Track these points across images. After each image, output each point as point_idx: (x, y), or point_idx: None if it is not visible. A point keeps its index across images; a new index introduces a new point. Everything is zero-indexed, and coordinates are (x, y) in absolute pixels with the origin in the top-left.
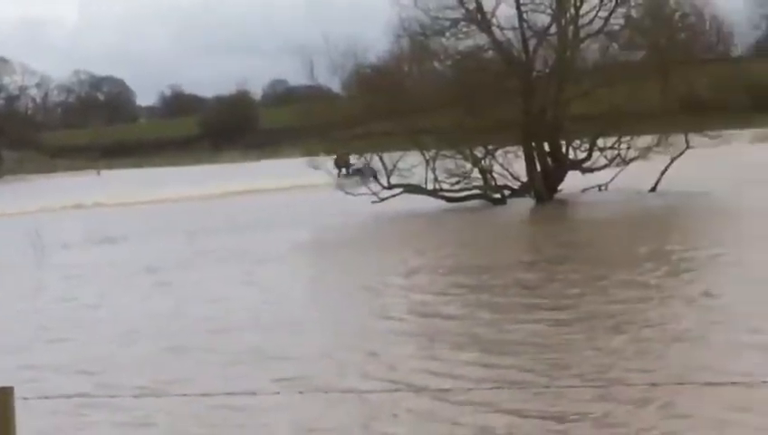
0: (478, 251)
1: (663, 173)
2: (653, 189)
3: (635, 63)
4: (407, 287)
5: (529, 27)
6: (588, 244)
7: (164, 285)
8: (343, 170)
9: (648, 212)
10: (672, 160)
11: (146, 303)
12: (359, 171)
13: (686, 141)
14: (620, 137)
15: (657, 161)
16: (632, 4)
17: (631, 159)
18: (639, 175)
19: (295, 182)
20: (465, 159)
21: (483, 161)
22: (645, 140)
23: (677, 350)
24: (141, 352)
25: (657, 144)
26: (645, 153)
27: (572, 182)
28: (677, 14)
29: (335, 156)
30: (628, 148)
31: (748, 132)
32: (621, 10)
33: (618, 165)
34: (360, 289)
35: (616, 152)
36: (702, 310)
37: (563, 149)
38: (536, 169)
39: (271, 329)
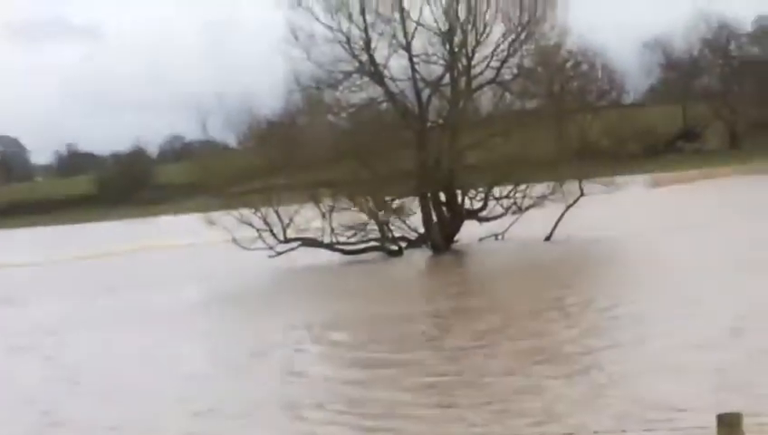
0: (367, 305)
1: (558, 221)
2: (548, 238)
3: (529, 112)
4: (285, 344)
5: (422, 78)
6: (476, 295)
7: (46, 349)
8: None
9: (540, 261)
10: (567, 208)
11: (27, 367)
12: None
13: (581, 189)
14: (516, 185)
15: (556, 208)
16: (524, 54)
17: (527, 208)
18: (537, 222)
19: (193, 238)
20: (362, 211)
21: (379, 213)
22: (540, 188)
23: (529, 404)
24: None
25: (552, 192)
26: (540, 201)
27: (470, 231)
28: (570, 63)
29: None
30: (524, 196)
31: (643, 177)
32: (514, 60)
33: (514, 213)
34: (239, 348)
35: (511, 201)
36: (571, 361)
37: (459, 199)
38: (432, 220)
39: (144, 395)
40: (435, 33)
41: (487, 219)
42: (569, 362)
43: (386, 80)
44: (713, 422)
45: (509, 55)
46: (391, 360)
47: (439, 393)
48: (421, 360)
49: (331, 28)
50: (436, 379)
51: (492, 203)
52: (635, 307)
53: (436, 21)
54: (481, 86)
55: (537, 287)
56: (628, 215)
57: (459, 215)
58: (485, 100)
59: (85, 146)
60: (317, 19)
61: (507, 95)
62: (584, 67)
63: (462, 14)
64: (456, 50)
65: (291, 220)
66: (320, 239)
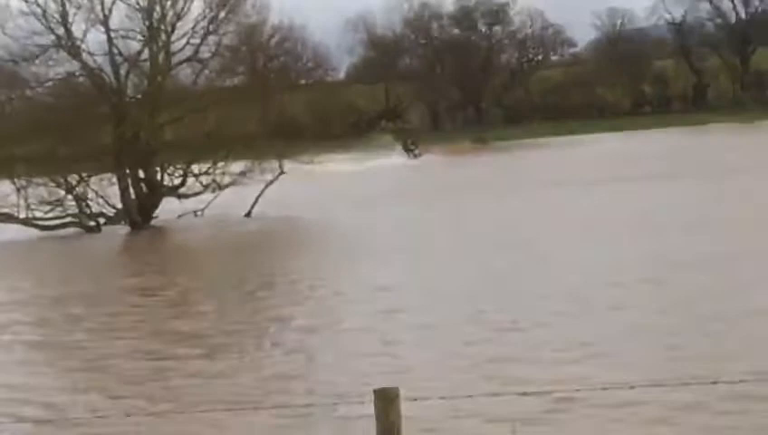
0: (43, 283)
1: (257, 199)
2: (248, 214)
3: (230, 89)
4: None
5: (120, 53)
6: (164, 273)
7: None
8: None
9: (236, 238)
10: (266, 186)
11: None
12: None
13: (280, 166)
14: (215, 162)
15: (259, 186)
16: (225, 31)
17: (226, 185)
18: (238, 199)
19: None
20: (59, 186)
21: (77, 189)
22: (241, 166)
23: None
24: None
25: (252, 169)
26: (239, 179)
27: (170, 208)
28: (274, 40)
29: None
30: (223, 173)
31: (346, 155)
32: (214, 37)
33: (213, 191)
34: None
35: (211, 178)
36: (257, 336)
37: (158, 176)
38: (130, 196)
39: None
40: (134, 7)
41: (186, 196)
42: (253, 336)
43: (83, 54)
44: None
45: (209, 32)
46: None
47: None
48: (77, 341)
49: (26, 1)
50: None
51: (191, 180)
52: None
53: None
54: (180, 62)
55: (226, 264)
56: (332, 192)
57: (158, 191)
58: (186, 76)
59: None
60: None
61: (207, 71)
62: (288, 45)
63: None
64: (156, 25)
65: None
66: (15, 214)
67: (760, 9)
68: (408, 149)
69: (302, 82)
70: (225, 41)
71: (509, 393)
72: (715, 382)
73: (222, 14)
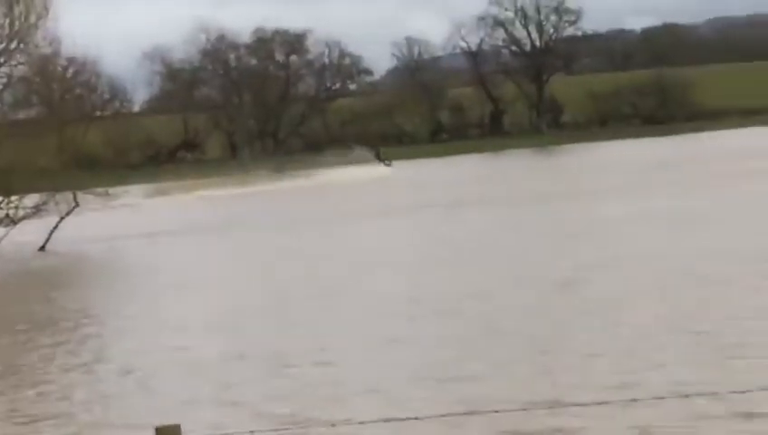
0: None
1: (52, 232)
2: (42, 248)
3: (25, 121)
4: None
5: None
6: None
7: None
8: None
9: (26, 273)
10: (61, 219)
11: None
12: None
13: (75, 199)
14: (7, 196)
15: (56, 219)
16: (14, 63)
17: (20, 219)
18: (36, 232)
19: None
20: None
21: None
22: (35, 199)
23: None
24: None
25: (46, 203)
26: (34, 212)
27: None
28: (69, 72)
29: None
30: (17, 207)
31: (144, 187)
32: (5, 69)
33: (6, 225)
34: None
35: (4, 212)
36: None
37: None
38: None
39: None
40: None
41: None
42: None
43: None
44: None
45: None
46: None
47: None
48: None
49: None
50: None
51: None
52: (119, 322)
53: None
54: None
55: (7, 301)
56: (128, 224)
57: None
58: None
59: None
60: None
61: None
62: (83, 77)
63: None
64: None
65: None
66: None
67: (554, 37)
68: (380, 159)
69: (98, 113)
70: (18, 72)
71: (289, 427)
72: None
73: (12, 45)
